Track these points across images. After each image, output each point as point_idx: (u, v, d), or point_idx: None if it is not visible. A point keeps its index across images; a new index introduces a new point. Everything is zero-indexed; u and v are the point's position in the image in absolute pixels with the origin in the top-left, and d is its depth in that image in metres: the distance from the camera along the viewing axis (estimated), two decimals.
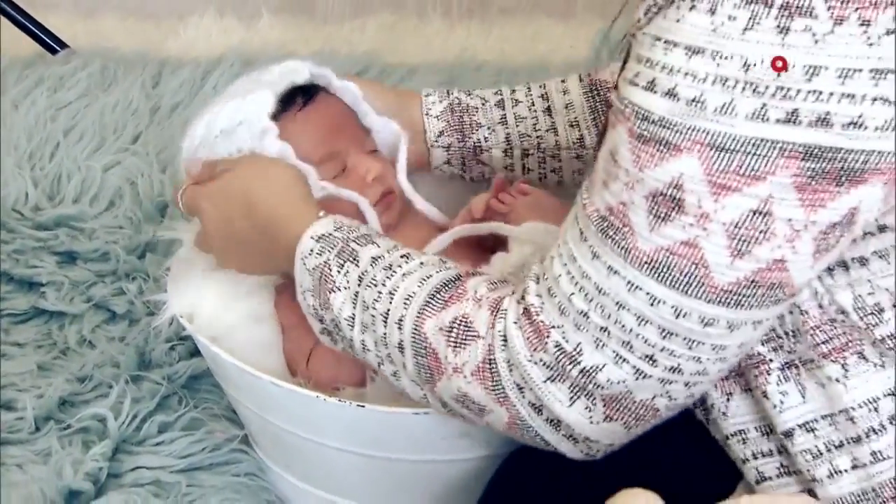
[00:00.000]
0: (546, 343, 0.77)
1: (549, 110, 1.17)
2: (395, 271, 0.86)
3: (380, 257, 0.87)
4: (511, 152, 1.17)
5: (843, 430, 0.78)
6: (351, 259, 0.88)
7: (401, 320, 0.84)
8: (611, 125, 0.74)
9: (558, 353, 0.77)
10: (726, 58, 0.67)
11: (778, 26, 0.66)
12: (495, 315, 0.80)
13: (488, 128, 1.17)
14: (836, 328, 0.77)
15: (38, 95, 1.83)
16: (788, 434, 0.79)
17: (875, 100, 0.66)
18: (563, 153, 1.17)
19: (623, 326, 0.75)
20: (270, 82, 1.10)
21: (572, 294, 0.76)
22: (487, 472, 0.96)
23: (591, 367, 0.77)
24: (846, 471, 0.78)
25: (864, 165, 0.68)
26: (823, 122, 0.66)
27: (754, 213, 0.69)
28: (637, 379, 0.76)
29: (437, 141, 1.17)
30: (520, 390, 0.80)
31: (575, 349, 0.77)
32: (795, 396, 0.79)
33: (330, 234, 0.90)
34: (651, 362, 0.76)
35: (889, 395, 0.77)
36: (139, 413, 1.24)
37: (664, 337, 0.74)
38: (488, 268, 1.02)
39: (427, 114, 1.17)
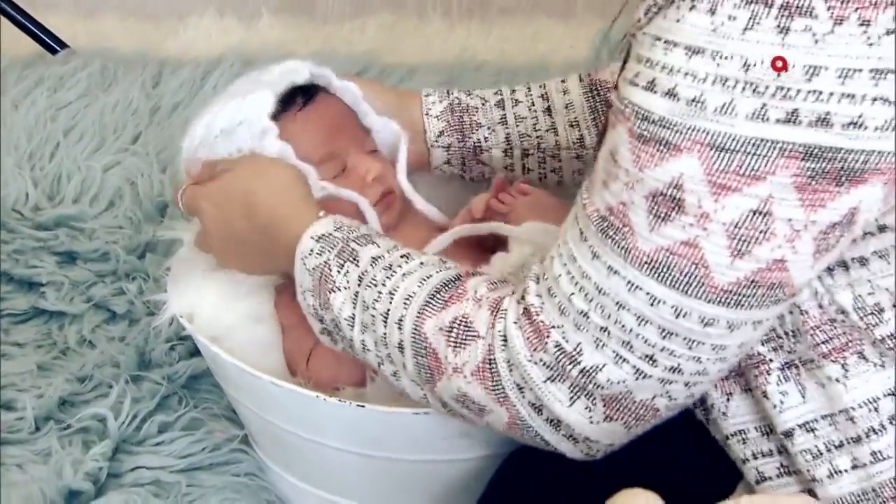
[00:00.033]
0: (546, 343, 0.77)
1: (549, 110, 1.17)
2: (395, 271, 0.86)
3: (380, 257, 0.87)
4: (511, 152, 1.17)
5: (843, 430, 0.78)
6: (351, 259, 0.88)
7: (401, 320, 0.84)
8: (611, 125, 0.74)
9: (558, 353, 0.77)
10: (726, 58, 0.67)
11: (778, 26, 0.66)
12: (495, 315, 0.80)
13: (488, 128, 1.17)
14: (836, 328, 0.77)
15: (38, 95, 1.82)
16: (788, 434, 0.79)
17: (875, 100, 0.66)
18: (563, 153, 1.17)
19: (623, 326, 0.75)
20: (270, 82, 1.10)
21: (572, 294, 0.76)
22: (487, 472, 0.96)
23: (591, 367, 0.77)
24: (846, 471, 0.78)
25: (864, 165, 0.68)
26: (823, 122, 0.66)
27: (754, 213, 0.69)
28: (637, 379, 0.76)
29: (437, 141, 1.17)
30: (520, 390, 0.80)
31: (575, 349, 0.77)
32: (795, 396, 0.79)
33: (330, 234, 0.90)
34: (651, 362, 0.76)
35: (889, 395, 0.77)
36: (139, 413, 1.24)
37: (664, 337, 0.74)
38: (488, 268, 1.02)
39: (427, 114, 1.17)
